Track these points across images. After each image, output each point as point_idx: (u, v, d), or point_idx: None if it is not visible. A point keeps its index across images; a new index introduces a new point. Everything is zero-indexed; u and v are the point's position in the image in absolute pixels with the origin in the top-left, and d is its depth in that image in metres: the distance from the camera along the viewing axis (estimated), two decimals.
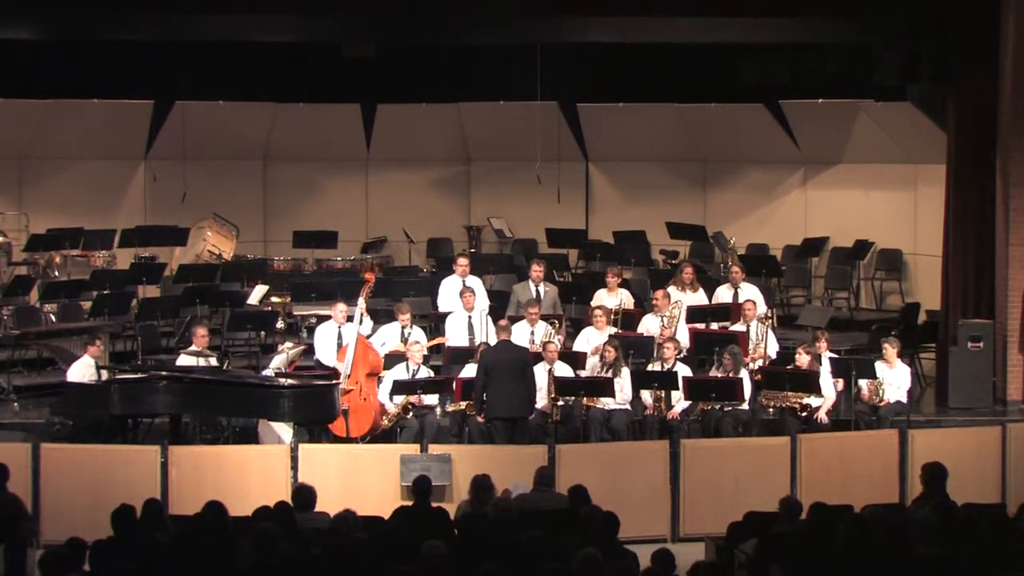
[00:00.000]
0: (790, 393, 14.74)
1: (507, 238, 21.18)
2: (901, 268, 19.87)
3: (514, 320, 15.85)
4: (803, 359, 14.88)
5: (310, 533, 9.94)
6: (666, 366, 14.96)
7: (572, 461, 13.40)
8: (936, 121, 17.22)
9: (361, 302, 15.20)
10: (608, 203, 21.43)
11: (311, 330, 16.55)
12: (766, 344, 15.79)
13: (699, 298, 16.73)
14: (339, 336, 15.32)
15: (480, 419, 14.33)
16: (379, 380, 14.96)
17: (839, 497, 11.75)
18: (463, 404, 14.56)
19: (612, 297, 16.54)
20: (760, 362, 15.55)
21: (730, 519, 11.09)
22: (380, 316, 16.47)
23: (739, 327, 15.97)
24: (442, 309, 16.49)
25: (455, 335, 15.85)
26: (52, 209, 20.10)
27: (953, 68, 16.44)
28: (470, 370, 14.78)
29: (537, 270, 16.72)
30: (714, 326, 16.23)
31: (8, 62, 18.40)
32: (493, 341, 15.30)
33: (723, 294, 16.86)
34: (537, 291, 16.49)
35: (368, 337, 15.58)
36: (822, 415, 14.66)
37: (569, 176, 20.80)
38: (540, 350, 15.03)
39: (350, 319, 15.32)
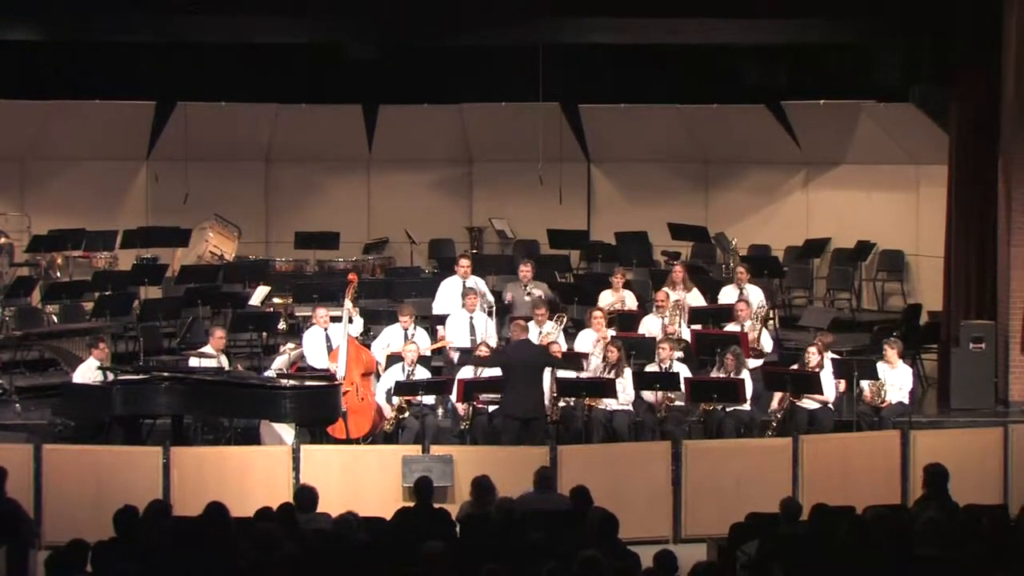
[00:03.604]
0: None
1: (509, 239, 21.18)
2: (903, 269, 19.86)
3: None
4: (813, 358, 14.88)
5: (311, 534, 9.94)
6: (663, 366, 14.96)
7: (574, 462, 13.40)
8: (938, 122, 17.21)
9: (347, 303, 15.23)
10: (610, 204, 21.42)
11: None
12: (759, 338, 15.79)
13: (694, 298, 16.73)
14: (327, 339, 15.32)
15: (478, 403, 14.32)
16: (376, 379, 14.98)
17: (841, 498, 11.75)
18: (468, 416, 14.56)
19: (611, 295, 16.55)
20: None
21: (732, 520, 11.09)
22: (382, 317, 16.48)
23: (733, 327, 15.96)
24: (440, 310, 16.51)
25: (456, 336, 15.85)
26: (54, 210, 20.10)
27: (955, 69, 16.43)
28: (469, 371, 14.82)
29: (525, 270, 16.77)
30: (697, 326, 16.17)
31: (10, 63, 18.42)
32: (492, 341, 15.43)
33: (729, 294, 16.84)
34: (528, 291, 16.54)
35: (363, 336, 15.61)
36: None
37: (571, 177, 20.78)
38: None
39: (334, 320, 15.34)
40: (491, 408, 14.57)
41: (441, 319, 16.20)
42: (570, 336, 16.07)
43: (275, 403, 13.74)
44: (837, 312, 18.75)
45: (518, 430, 14.13)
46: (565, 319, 16.05)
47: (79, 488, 13.08)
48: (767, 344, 15.95)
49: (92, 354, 14.82)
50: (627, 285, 17.16)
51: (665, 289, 16.56)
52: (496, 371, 14.47)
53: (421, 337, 15.59)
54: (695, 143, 21.08)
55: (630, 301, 16.75)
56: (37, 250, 19.16)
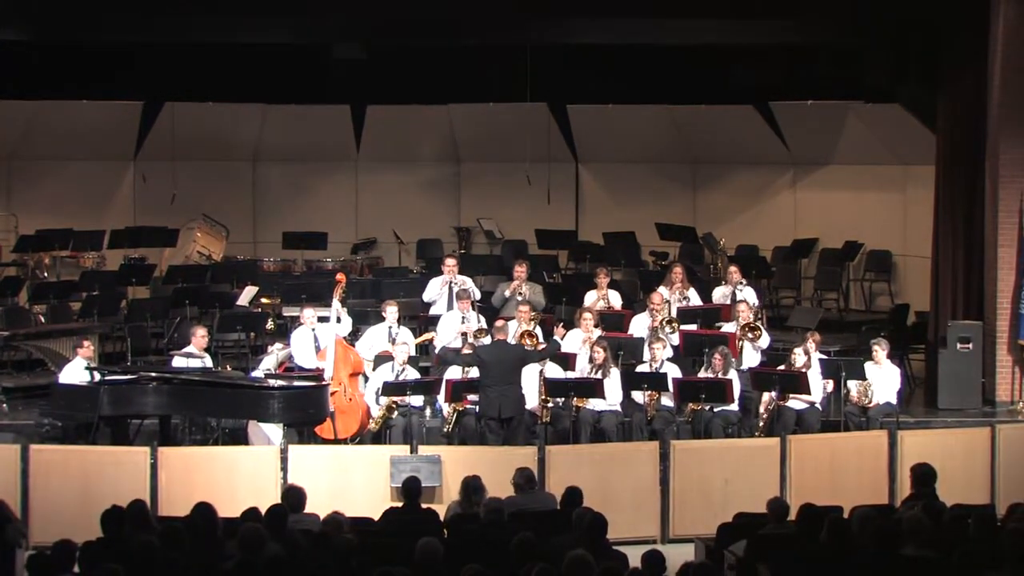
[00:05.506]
0: None
1: (497, 239, 21.18)
2: (890, 269, 19.91)
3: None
4: (799, 359, 14.88)
5: (299, 534, 9.93)
6: (654, 365, 14.97)
7: (562, 462, 13.40)
8: (925, 123, 17.26)
9: (335, 303, 15.23)
10: (598, 204, 21.44)
11: None
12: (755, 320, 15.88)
13: (692, 297, 16.69)
14: (315, 339, 15.32)
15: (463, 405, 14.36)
16: (365, 380, 14.98)
17: (828, 498, 11.76)
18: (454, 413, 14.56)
19: (595, 295, 16.55)
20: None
21: (720, 520, 11.11)
22: (370, 318, 16.48)
23: (730, 327, 15.96)
24: (427, 298, 16.72)
25: (449, 335, 15.82)
26: (41, 210, 20.08)
27: (942, 70, 16.48)
28: (456, 371, 14.81)
29: (520, 271, 16.79)
30: (692, 326, 16.16)
31: None
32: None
33: (721, 294, 16.73)
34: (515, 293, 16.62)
35: (350, 336, 15.61)
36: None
37: (559, 177, 20.80)
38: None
39: (322, 319, 15.34)
40: (478, 408, 14.57)
41: (433, 320, 16.22)
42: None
43: (263, 403, 13.72)
44: (825, 312, 18.77)
45: (501, 430, 14.12)
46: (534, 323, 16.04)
47: (66, 488, 13.05)
48: (764, 338, 15.91)
49: (78, 353, 14.80)
50: (614, 285, 17.13)
51: (660, 290, 16.52)
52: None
53: (405, 336, 15.59)
54: (683, 143, 21.10)
55: (614, 300, 16.72)
56: (24, 250, 19.14)
